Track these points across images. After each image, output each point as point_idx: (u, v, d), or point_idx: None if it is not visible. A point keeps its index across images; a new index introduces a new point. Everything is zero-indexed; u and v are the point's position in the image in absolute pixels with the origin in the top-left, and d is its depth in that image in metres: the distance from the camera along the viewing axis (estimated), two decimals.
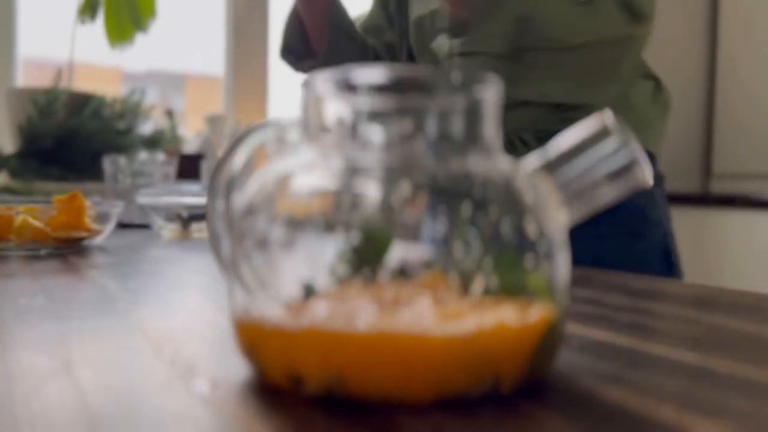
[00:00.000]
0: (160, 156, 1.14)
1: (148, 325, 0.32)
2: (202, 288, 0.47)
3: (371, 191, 0.22)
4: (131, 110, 1.54)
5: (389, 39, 0.86)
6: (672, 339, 0.31)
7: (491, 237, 0.22)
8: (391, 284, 0.22)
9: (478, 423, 0.19)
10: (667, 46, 1.86)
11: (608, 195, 0.23)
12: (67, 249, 0.66)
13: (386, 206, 0.22)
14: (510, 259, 0.22)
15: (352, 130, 0.24)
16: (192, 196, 0.83)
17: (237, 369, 0.24)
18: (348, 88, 0.24)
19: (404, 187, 0.22)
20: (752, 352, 0.29)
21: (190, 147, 1.77)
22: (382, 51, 0.86)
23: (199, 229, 0.83)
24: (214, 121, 1.79)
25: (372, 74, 0.23)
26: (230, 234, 0.26)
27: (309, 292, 0.22)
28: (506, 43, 0.60)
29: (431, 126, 0.24)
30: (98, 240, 0.70)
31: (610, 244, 0.67)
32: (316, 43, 0.81)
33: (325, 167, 0.24)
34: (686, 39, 2.10)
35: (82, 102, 1.44)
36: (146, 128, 1.62)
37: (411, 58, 0.84)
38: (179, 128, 1.82)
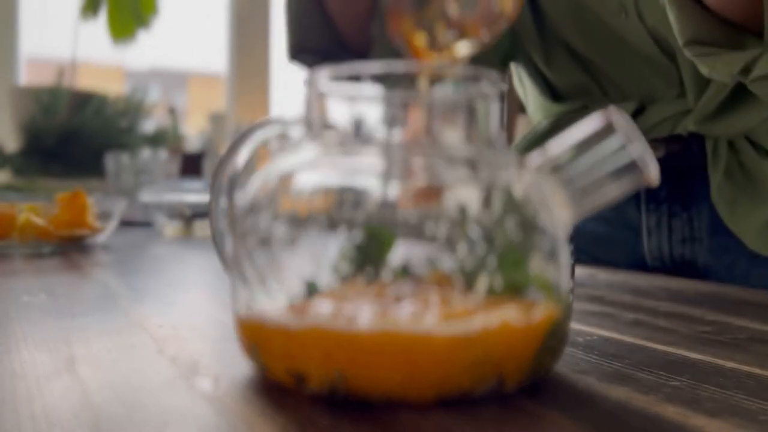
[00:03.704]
0: (163, 154, 1.14)
1: (151, 322, 0.32)
2: (204, 286, 0.47)
3: (374, 189, 0.22)
4: (134, 108, 1.54)
5: None
6: (677, 337, 0.30)
7: (495, 235, 0.21)
8: (394, 283, 0.22)
9: (481, 422, 0.19)
10: None
11: (613, 193, 0.23)
12: (69, 247, 0.66)
13: (389, 204, 0.22)
14: (514, 258, 0.22)
15: (354, 127, 0.24)
16: (194, 193, 0.83)
17: (240, 367, 0.24)
18: (350, 84, 0.24)
19: (407, 185, 0.22)
20: (759, 350, 0.28)
21: (192, 145, 1.77)
22: None
23: (201, 227, 0.83)
24: (216, 119, 1.79)
25: (374, 70, 0.23)
26: (233, 232, 0.26)
27: (312, 290, 0.22)
28: None
29: (435, 122, 0.24)
30: (101, 238, 0.70)
31: None
32: (354, 31, 0.55)
33: (327, 165, 0.24)
34: None
35: (84, 100, 1.44)
36: (149, 126, 1.62)
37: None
38: (182, 126, 1.82)
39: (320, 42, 0.57)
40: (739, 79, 0.39)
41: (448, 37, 0.26)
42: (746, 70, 0.38)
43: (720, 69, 0.39)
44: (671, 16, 0.39)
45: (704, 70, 0.40)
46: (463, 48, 0.28)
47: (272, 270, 0.22)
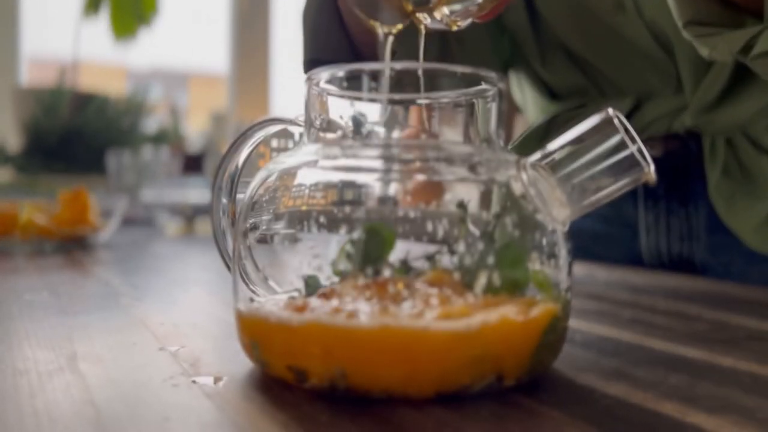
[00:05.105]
0: (165, 152, 1.14)
1: (153, 320, 0.32)
2: (205, 284, 0.48)
3: (374, 187, 0.22)
4: (135, 108, 1.54)
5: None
6: (675, 335, 0.31)
7: (494, 233, 0.22)
8: (394, 279, 0.22)
9: (480, 417, 0.19)
10: None
11: (611, 191, 0.23)
12: (71, 245, 0.66)
13: (389, 202, 0.22)
14: (513, 255, 0.22)
15: (354, 126, 0.24)
16: (196, 192, 0.83)
17: (241, 364, 0.24)
18: (351, 84, 0.24)
19: (407, 183, 0.22)
20: (755, 347, 0.28)
21: (193, 144, 1.77)
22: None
23: (202, 225, 0.83)
24: (217, 119, 1.79)
25: (375, 70, 0.23)
26: (234, 230, 0.26)
27: (312, 286, 0.23)
28: None
29: (434, 121, 0.24)
30: (103, 236, 0.71)
31: None
32: (372, 42, 0.50)
33: (328, 163, 0.24)
34: None
35: (86, 100, 1.44)
36: (150, 126, 1.62)
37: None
38: (183, 125, 1.83)
39: (337, 55, 0.56)
40: (739, 59, 0.40)
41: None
42: (747, 48, 0.38)
43: (721, 48, 0.39)
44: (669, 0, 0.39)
45: (704, 51, 0.40)
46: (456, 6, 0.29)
47: (273, 267, 0.23)
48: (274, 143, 0.30)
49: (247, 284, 0.24)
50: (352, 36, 0.55)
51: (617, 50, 0.55)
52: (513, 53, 0.63)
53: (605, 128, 0.22)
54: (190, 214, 0.83)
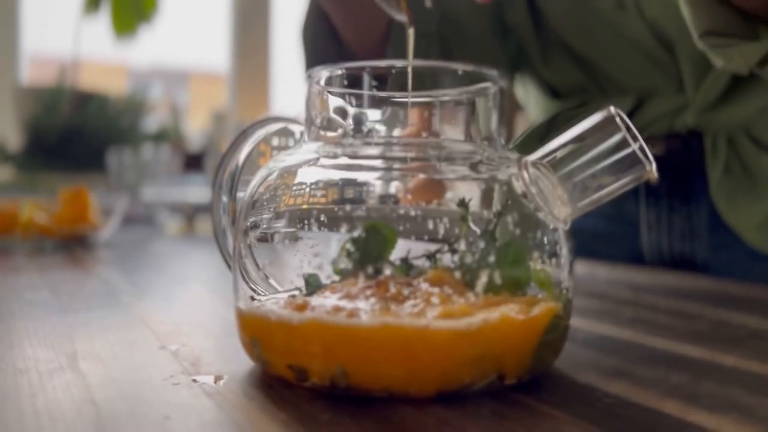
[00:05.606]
0: (165, 151, 1.14)
1: (153, 318, 0.32)
2: (206, 282, 0.48)
3: (375, 185, 0.22)
4: (136, 106, 1.54)
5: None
6: (676, 333, 0.31)
7: (495, 232, 0.22)
8: (395, 278, 0.22)
9: (481, 416, 0.19)
10: None
11: (613, 189, 0.23)
12: (72, 243, 0.66)
13: (390, 200, 0.22)
14: (514, 254, 0.22)
15: (355, 124, 0.24)
16: (196, 190, 0.83)
17: (241, 362, 0.24)
18: (352, 82, 0.24)
19: (408, 182, 0.22)
20: (757, 346, 0.28)
21: (194, 142, 1.77)
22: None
23: (203, 224, 0.83)
24: (218, 117, 1.79)
25: (376, 68, 0.23)
26: (234, 228, 0.26)
27: (313, 285, 0.23)
28: None
29: (436, 119, 0.24)
30: (103, 234, 0.71)
31: None
32: (369, 57, 0.53)
33: (328, 161, 0.24)
34: None
35: (86, 99, 1.44)
36: (151, 124, 1.62)
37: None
38: (183, 124, 1.83)
39: (329, 57, 0.55)
40: (755, 71, 0.39)
41: None
42: (764, 60, 0.38)
43: (737, 60, 0.39)
44: (685, 9, 0.39)
45: (719, 61, 0.40)
46: None
47: (274, 265, 0.22)
48: (275, 141, 0.30)
49: (247, 283, 0.24)
50: (347, 47, 0.56)
51: (618, 49, 0.55)
52: (518, 53, 0.63)
53: (607, 126, 0.22)
54: (190, 213, 0.83)
